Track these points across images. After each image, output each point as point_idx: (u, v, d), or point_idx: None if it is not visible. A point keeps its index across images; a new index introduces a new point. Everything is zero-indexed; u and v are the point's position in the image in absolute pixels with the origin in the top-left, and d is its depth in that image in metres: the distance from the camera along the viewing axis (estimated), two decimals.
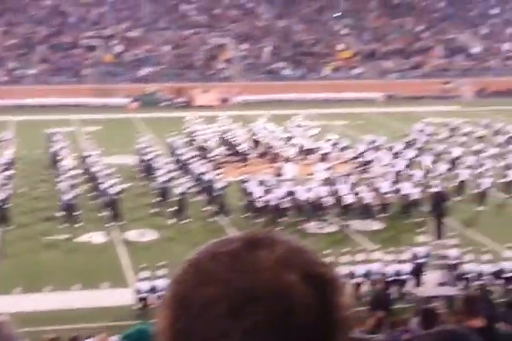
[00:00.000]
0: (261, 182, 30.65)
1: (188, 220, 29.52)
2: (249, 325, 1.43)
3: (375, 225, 29.40)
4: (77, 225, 28.77)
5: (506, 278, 23.07)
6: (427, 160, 36.05)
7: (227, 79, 64.81)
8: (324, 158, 37.62)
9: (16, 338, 3.05)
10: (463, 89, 64.14)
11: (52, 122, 42.75)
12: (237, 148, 39.24)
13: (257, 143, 41.44)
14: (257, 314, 1.43)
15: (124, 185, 31.11)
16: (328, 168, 34.46)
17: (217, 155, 37.41)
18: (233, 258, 1.48)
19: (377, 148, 38.48)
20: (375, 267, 23.11)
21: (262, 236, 1.53)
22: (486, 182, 31.94)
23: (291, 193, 30.08)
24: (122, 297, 22.10)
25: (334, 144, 39.46)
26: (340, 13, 75.39)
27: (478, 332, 8.09)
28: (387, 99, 62.40)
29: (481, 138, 41.71)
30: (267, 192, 29.69)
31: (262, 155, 39.71)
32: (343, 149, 39.12)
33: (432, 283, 22.91)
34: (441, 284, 22.79)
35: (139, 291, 21.78)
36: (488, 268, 23.27)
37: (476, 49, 71.83)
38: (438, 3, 78.85)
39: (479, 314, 8.40)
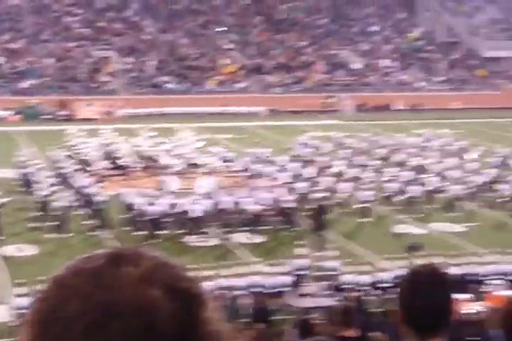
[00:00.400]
0: (143, 196, 30.58)
1: (69, 234, 29.20)
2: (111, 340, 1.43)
3: (257, 238, 29.71)
4: None
5: (383, 289, 23.69)
6: (311, 172, 36.67)
7: (110, 92, 64.42)
8: (209, 171, 37.81)
9: None
10: (343, 104, 65.48)
11: None
12: (120, 161, 39.05)
13: (140, 156, 41.37)
14: (119, 330, 1.41)
15: (4, 199, 30.55)
16: (212, 181, 34.67)
17: (99, 169, 37.14)
18: (96, 274, 1.46)
19: (261, 161, 38.92)
20: (255, 279, 23.40)
21: (127, 252, 1.52)
22: (368, 195, 32.70)
23: (173, 206, 30.17)
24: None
25: (219, 157, 39.70)
26: (225, 28, 75.92)
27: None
28: (271, 112, 63.24)
29: (362, 152, 42.72)
30: (148, 205, 29.63)
31: (145, 168, 39.64)
32: (227, 162, 39.48)
33: (311, 295, 23.28)
34: (320, 295, 23.19)
35: (17, 307, 21.43)
36: (365, 279, 23.88)
37: (356, 65, 73.52)
38: (320, 19, 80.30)
39: (354, 324, 8.69)
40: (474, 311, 19.46)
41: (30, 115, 58.66)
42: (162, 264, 1.51)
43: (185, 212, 29.99)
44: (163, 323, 1.43)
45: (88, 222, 30.53)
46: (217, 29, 75.88)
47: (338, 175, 36.46)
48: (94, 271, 1.46)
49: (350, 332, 8.50)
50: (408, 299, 2.85)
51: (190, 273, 1.53)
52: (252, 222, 30.35)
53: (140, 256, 1.51)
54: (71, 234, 29.29)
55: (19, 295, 21.49)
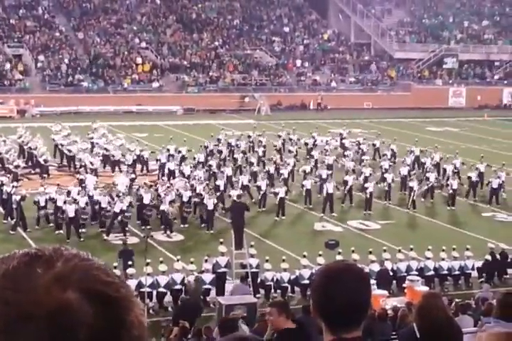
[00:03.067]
0: (61, 193, 30.34)
1: None
2: None
3: (176, 236, 29.89)
4: None
5: (303, 285, 24.15)
6: (228, 171, 36.94)
7: (24, 90, 63.58)
8: (127, 169, 37.76)
9: None
10: (259, 103, 65.99)
11: None
12: (37, 159, 38.68)
13: (59, 154, 41.12)
14: (30, 333, 1.39)
15: None
16: (131, 179, 34.70)
17: (16, 167, 36.72)
18: (11, 275, 1.43)
19: (178, 159, 39.05)
20: (176, 277, 23.58)
21: (44, 252, 1.48)
22: (281, 192, 33.11)
23: (93, 203, 30.11)
24: None
25: (137, 155, 39.67)
26: (138, 28, 75.64)
27: (292, 333, 8.66)
28: (186, 111, 63.38)
29: (278, 150, 43.23)
30: (67, 203, 29.46)
31: (63, 166, 39.40)
32: (145, 160, 39.56)
33: (233, 292, 23.55)
34: (242, 293, 23.48)
35: None
36: (286, 276, 24.31)
37: (270, 65, 74.11)
38: (233, 20, 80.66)
39: (291, 317, 9.00)
40: (391, 306, 20.01)
41: None
42: (81, 266, 1.48)
43: (105, 210, 29.96)
44: (78, 327, 1.40)
45: (6, 221, 30.22)
46: (130, 28, 75.44)
47: (254, 173, 36.84)
48: (8, 272, 1.44)
49: (291, 324, 8.79)
50: (320, 294, 2.84)
51: (113, 275, 1.50)
52: (171, 220, 30.48)
53: (58, 256, 1.48)
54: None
55: None
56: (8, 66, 65.89)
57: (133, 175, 35.84)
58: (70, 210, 28.91)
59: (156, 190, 32.20)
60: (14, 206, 29.99)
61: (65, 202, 29.44)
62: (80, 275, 1.45)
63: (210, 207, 30.86)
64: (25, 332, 1.39)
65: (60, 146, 41.51)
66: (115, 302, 1.46)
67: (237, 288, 23.27)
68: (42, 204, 30.12)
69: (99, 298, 1.44)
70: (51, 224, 30.00)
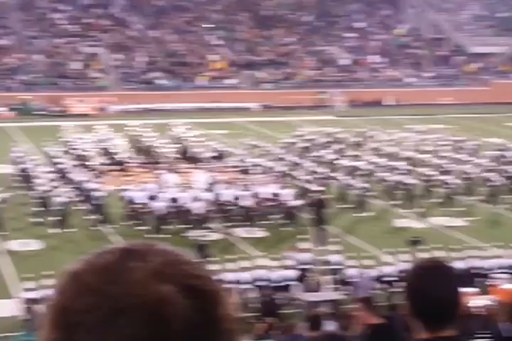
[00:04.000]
0: (142, 190, 30.65)
1: (71, 229, 29.24)
2: (123, 335, 1.45)
3: (258, 232, 29.87)
4: None
5: (388, 282, 23.86)
6: (308, 166, 36.90)
7: (101, 88, 64.39)
8: (206, 165, 37.98)
9: None
10: (335, 100, 65.70)
11: None
12: (117, 156, 39.10)
13: (139, 151, 41.54)
14: (130, 324, 1.45)
15: (4, 195, 30.50)
16: (210, 176, 34.81)
17: (97, 164, 37.16)
18: (109, 269, 1.49)
19: (258, 155, 39.18)
20: (260, 273, 23.54)
21: (140, 247, 1.54)
22: (364, 188, 32.90)
23: (173, 200, 30.29)
24: (6, 308, 21.75)
25: (216, 152, 39.86)
26: (213, 25, 76.00)
27: (381, 328, 8.55)
28: (263, 108, 63.42)
29: (357, 146, 43.01)
30: (149, 199, 29.71)
31: (143, 163, 39.78)
32: (223, 157, 39.69)
33: (317, 289, 23.42)
34: (326, 289, 23.35)
35: (24, 301, 21.50)
36: (370, 273, 24.06)
37: (345, 61, 73.75)
38: (307, 16, 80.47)
39: (376, 313, 8.88)
40: (482, 305, 19.66)
41: (22, 111, 58.62)
42: (175, 260, 1.53)
43: (185, 207, 30.11)
44: (174, 319, 1.46)
45: (90, 217, 30.60)
46: (204, 26, 75.85)
47: (334, 168, 36.67)
48: (106, 266, 1.50)
49: (377, 319, 8.67)
50: (416, 293, 2.87)
51: (204, 269, 1.55)
52: (252, 216, 30.48)
53: (152, 251, 1.54)
54: (74, 229, 29.33)
55: (27, 290, 21.57)
56: (85, 65, 66.77)
57: (212, 172, 35.94)
58: (154, 207, 29.12)
59: (236, 186, 32.21)
60: (97, 202, 30.32)
61: (146, 199, 29.66)
62: (173, 270, 1.51)
63: (292, 203, 30.74)
64: (123, 324, 1.45)
65: (140, 143, 41.96)
66: (207, 295, 1.51)
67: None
68: (126, 200, 30.43)
69: (192, 291, 1.49)
70: (133, 221, 30.21)
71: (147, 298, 1.45)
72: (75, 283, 1.50)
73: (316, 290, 23.05)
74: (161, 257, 1.52)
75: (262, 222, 30.57)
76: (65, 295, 1.50)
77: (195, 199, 30.05)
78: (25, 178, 34.73)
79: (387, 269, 24.01)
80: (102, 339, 1.45)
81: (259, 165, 37.15)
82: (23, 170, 35.32)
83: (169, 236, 28.44)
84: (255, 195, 31.14)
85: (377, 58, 74.95)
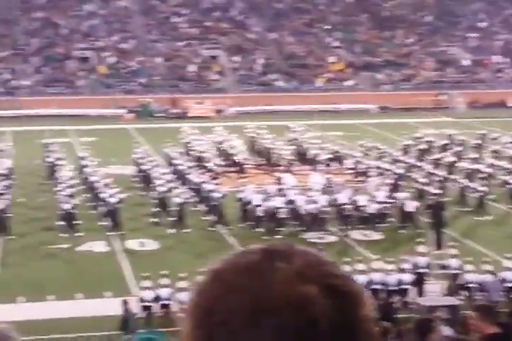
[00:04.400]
0: (259, 192, 30.72)
1: (187, 230, 29.55)
2: (269, 335, 1.44)
3: (375, 235, 29.52)
4: (76, 234, 28.76)
5: (510, 288, 23.17)
6: (427, 168, 36.31)
7: (220, 90, 65.02)
8: (323, 167, 37.85)
9: None
10: (455, 101, 64.50)
11: (48, 133, 42.82)
12: (234, 158, 39.35)
13: (256, 153, 41.73)
14: (276, 325, 1.44)
15: (123, 195, 31.06)
16: (327, 178, 34.60)
17: (214, 166, 37.48)
18: (251, 269, 1.49)
19: (376, 158, 38.79)
20: (376, 276, 23.21)
21: (281, 248, 1.54)
22: (484, 191, 32.10)
23: (290, 202, 30.24)
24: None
25: (333, 154, 39.66)
26: (330, 26, 75.78)
27: (497, 338, 8.20)
28: (381, 110, 62.81)
29: (476, 148, 42.07)
30: (265, 201, 29.77)
31: (260, 165, 39.95)
32: (340, 159, 39.44)
33: (433, 293, 22.98)
34: (443, 294, 22.86)
35: (142, 300, 21.81)
36: (488, 278, 23.40)
37: (466, 61, 72.31)
38: (426, 16, 79.34)
39: (494, 322, 8.52)
40: None
41: (142, 113, 59.79)
42: (316, 261, 1.52)
43: (302, 209, 30.02)
44: (319, 320, 1.44)
45: (207, 218, 30.86)
46: (323, 27, 75.68)
47: (453, 171, 35.95)
48: (249, 266, 1.49)
49: (493, 329, 8.32)
50: None
51: (344, 270, 1.53)
52: (369, 219, 30.14)
53: (294, 252, 1.53)
54: (189, 230, 29.62)
55: (144, 288, 21.88)
56: (203, 67, 67.59)
57: (328, 175, 35.70)
58: (270, 208, 29.13)
59: (353, 188, 31.93)
60: (214, 203, 30.55)
61: (262, 200, 29.72)
62: (317, 270, 1.50)
63: (409, 205, 30.24)
64: (270, 324, 1.43)
65: (257, 145, 42.16)
66: (350, 296, 1.49)
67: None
68: (243, 201, 30.58)
69: (335, 291, 1.47)
70: (249, 222, 30.30)
71: (292, 299, 1.45)
72: (217, 283, 1.51)
73: (433, 295, 22.59)
74: (302, 258, 1.51)
75: (379, 225, 30.19)
76: (207, 295, 1.50)
77: (312, 201, 29.90)
78: (145, 179, 35.31)
79: (508, 275, 23.33)
80: (246, 340, 1.45)
81: (377, 168, 36.72)
82: (143, 171, 35.92)
83: (285, 237, 28.44)
84: (371, 198, 30.77)
85: (499, 58, 73.17)
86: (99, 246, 27.82)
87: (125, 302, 20.12)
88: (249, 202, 30.33)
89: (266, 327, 1.44)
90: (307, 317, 1.44)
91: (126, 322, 19.79)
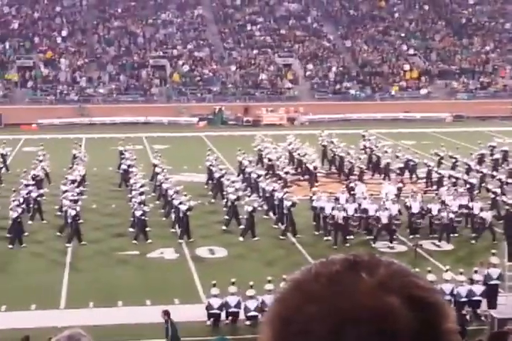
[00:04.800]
0: (331, 200, 30.55)
1: (257, 238, 29.52)
2: None
3: (446, 245, 29.10)
4: (147, 241, 28.99)
5: None
6: (502, 178, 35.72)
7: (293, 98, 65.00)
8: (395, 176, 37.53)
9: None
10: None
11: (121, 140, 43.30)
12: (306, 166, 39.21)
13: (329, 161, 41.56)
14: (357, 336, 1.43)
15: (193, 202, 31.08)
16: (399, 187, 34.26)
17: (286, 174, 37.43)
18: (335, 279, 1.49)
19: (450, 167, 38.33)
20: (447, 287, 22.85)
21: (364, 259, 1.53)
22: None
23: (362, 211, 30.03)
24: (194, 313, 22.18)
25: (405, 163, 39.26)
26: (406, 34, 75.19)
27: None
28: (455, 118, 62.02)
29: None
30: (337, 210, 29.59)
31: (332, 173, 39.76)
32: (413, 168, 39.02)
33: (506, 305, 22.54)
34: None
35: (210, 307, 21.86)
36: None
37: None
38: (505, 23, 78.13)
39: None
40: None
41: (215, 121, 60.13)
42: (399, 272, 1.52)
43: (373, 217, 29.78)
44: (401, 332, 1.43)
45: (277, 226, 30.81)
46: (398, 35, 75.11)
47: None
48: (331, 276, 1.49)
49: None
50: None
51: (428, 281, 1.53)
52: (442, 229, 29.71)
53: (377, 263, 1.52)
54: (259, 238, 29.57)
55: (212, 296, 21.91)
56: (277, 76, 67.68)
57: (400, 184, 35.33)
58: (340, 216, 28.99)
59: (425, 198, 31.55)
60: (285, 212, 30.47)
61: (333, 209, 29.58)
62: (400, 281, 1.48)
63: (483, 215, 29.72)
64: (351, 335, 1.43)
65: (330, 154, 42.05)
66: (433, 308, 1.48)
67: None
68: (314, 210, 30.51)
69: (418, 303, 1.46)
70: (320, 230, 30.17)
71: (375, 310, 1.44)
72: (297, 292, 1.51)
73: (506, 307, 22.14)
74: (385, 268, 1.51)
75: (451, 235, 29.74)
76: (286, 304, 1.51)
77: (383, 210, 29.60)
78: (216, 187, 35.41)
79: None
80: None
81: (450, 177, 36.21)
82: (215, 178, 36.03)
83: (355, 246, 28.23)
84: (444, 207, 30.33)
85: None
86: (169, 253, 28.00)
87: (165, 313, 20.02)
88: (320, 211, 30.18)
89: (347, 338, 1.43)
90: (389, 329, 1.43)
91: (167, 332, 19.75)
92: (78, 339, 3.08)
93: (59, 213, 31.80)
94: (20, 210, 29.17)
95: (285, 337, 1.48)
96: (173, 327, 19.66)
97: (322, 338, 1.44)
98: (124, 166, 37.79)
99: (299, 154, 41.15)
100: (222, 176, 35.25)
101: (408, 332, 1.43)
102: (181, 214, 29.53)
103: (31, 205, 31.89)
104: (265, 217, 32.17)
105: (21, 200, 30.37)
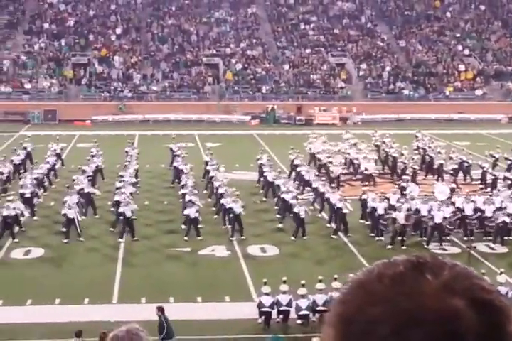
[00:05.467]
0: (383, 200, 30.33)
1: (307, 237, 29.37)
2: None
3: (501, 248, 28.73)
4: (199, 238, 29.04)
5: None
6: None
7: (346, 98, 64.73)
8: (449, 177, 37.15)
9: None
10: None
11: (174, 137, 43.47)
12: (359, 166, 39.00)
13: (382, 161, 41.27)
14: (421, 337, 1.41)
15: (242, 203, 30.81)
16: (452, 188, 33.91)
17: (338, 173, 37.23)
18: (398, 280, 1.48)
19: (504, 168, 37.89)
20: (501, 290, 22.53)
21: (428, 260, 1.52)
22: None
23: (415, 211, 29.77)
24: (244, 310, 22.16)
25: (459, 164, 38.86)
26: (461, 34, 74.45)
27: None
28: (511, 120, 61.27)
29: None
30: (389, 210, 29.37)
31: (385, 173, 39.48)
32: (467, 169, 38.59)
33: None
34: None
35: (262, 305, 21.81)
36: None
37: None
38: None
39: None
40: None
41: (268, 119, 60.13)
42: (464, 274, 1.50)
43: (426, 218, 29.50)
44: (466, 334, 1.41)
45: (329, 225, 30.69)
46: (453, 35, 74.40)
47: None
48: (395, 277, 1.49)
49: None
50: None
51: (490, 284, 1.51)
52: (496, 231, 29.34)
53: (440, 264, 1.51)
54: (310, 237, 29.44)
55: (264, 294, 21.87)
56: (330, 75, 67.49)
57: (453, 185, 34.97)
58: (394, 217, 28.74)
59: (479, 199, 31.13)
60: (337, 211, 30.27)
61: (387, 209, 29.37)
62: (464, 283, 1.47)
63: None
64: (416, 336, 1.41)
65: (381, 153, 41.74)
66: (498, 310, 1.45)
67: None
68: (367, 210, 30.37)
69: (483, 305, 1.44)
70: (373, 231, 30.00)
71: (440, 312, 1.43)
72: (361, 293, 1.50)
73: None
74: (449, 270, 1.50)
75: (506, 238, 29.35)
76: (350, 305, 1.50)
77: (436, 211, 29.29)
78: (268, 185, 35.34)
79: None
80: None
81: (505, 179, 35.76)
82: (266, 177, 35.97)
83: (409, 247, 27.99)
84: (498, 209, 29.95)
85: None
86: (221, 251, 28.02)
87: (159, 309, 19.97)
88: (373, 211, 29.98)
89: (410, 339, 1.42)
90: (454, 331, 1.42)
91: (160, 328, 19.66)
92: (136, 334, 3.08)
93: (112, 209, 32.02)
94: (76, 208, 29.34)
95: (348, 338, 1.47)
96: (167, 324, 19.57)
97: (385, 339, 1.43)
98: (175, 163, 37.91)
99: (351, 154, 40.81)
100: (274, 175, 35.11)
101: (473, 334, 1.42)
102: (233, 213, 29.49)
103: (84, 200, 32.08)
104: (318, 216, 32.07)
105: (76, 198, 30.53)
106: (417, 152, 42.35)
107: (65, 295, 23.01)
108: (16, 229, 29.33)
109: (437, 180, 38.03)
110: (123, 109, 60.85)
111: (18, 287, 24.08)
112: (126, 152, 40.22)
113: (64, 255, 27.55)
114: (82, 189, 32.23)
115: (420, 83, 67.08)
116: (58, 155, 40.92)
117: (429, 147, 42.54)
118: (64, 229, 29.07)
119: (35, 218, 31.74)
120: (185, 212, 29.56)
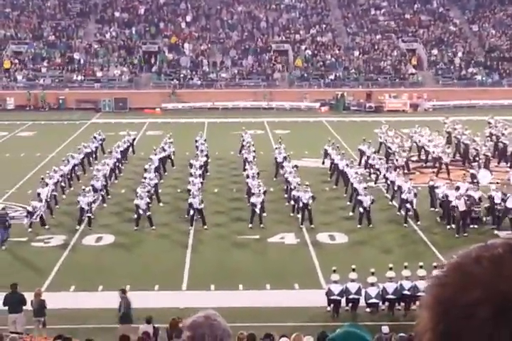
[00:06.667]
0: (454, 188, 29.90)
1: (372, 225, 29.05)
2: None
3: None
4: (262, 226, 28.90)
5: None
6: None
7: (417, 84, 63.98)
8: None
9: (229, 330, 3.07)
10: None
11: (243, 124, 43.54)
12: (430, 153, 38.52)
13: (453, 148, 40.65)
14: None
15: (311, 194, 30.57)
16: None
17: (409, 161, 36.81)
18: (497, 263, 1.47)
19: None
20: None
21: None
22: None
23: (487, 199, 29.28)
24: (314, 298, 22.09)
25: None
26: None
27: None
28: None
29: None
30: (457, 198, 28.95)
31: (456, 160, 38.95)
32: None
33: None
34: None
35: (331, 293, 21.72)
36: None
37: None
38: None
39: None
40: None
41: (337, 106, 59.79)
42: None
43: (498, 206, 29.01)
44: None
45: (399, 213, 30.38)
46: None
47: None
48: (494, 260, 1.47)
49: None
50: None
51: None
52: None
53: None
54: (372, 225, 29.11)
55: (333, 282, 21.77)
56: (401, 61, 66.77)
57: None
58: (458, 204, 28.30)
59: None
60: (407, 199, 29.94)
61: (455, 197, 28.94)
62: None
63: None
64: None
65: (453, 140, 41.18)
66: None
67: None
68: (438, 197, 29.99)
69: None
70: (442, 218, 29.63)
71: None
72: (460, 276, 1.50)
73: None
74: None
75: None
76: (449, 288, 1.50)
77: (509, 198, 28.77)
78: (342, 173, 34.78)
79: None
80: (492, 333, 1.42)
81: None
82: (335, 164, 35.69)
83: (479, 234, 27.58)
84: None
85: None
86: (290, 238, 27.98)
87: (123, 291, 19.94)
88: (444, 198, 29.56)
89: (510, 320, 1.41)
90: None
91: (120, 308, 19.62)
92: (215, 320, 3.06)
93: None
94: (147, 198, 29.51)
95: (447, 321, 1.47)
96: (126, 304, 19.54)
97: (487, 321, 1.42)
98: (244, 151, 37.92)
99: (423, 141, 40.26)
100: (343, 163, 34.83)
101: None
102: (301, 201, 29.34)
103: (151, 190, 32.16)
104: (389, 203, 31.81)
105: (147, 188, 30.65)
106: (489, 139, 41.61)
107: (136, 282, 23.24)
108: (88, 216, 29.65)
109: (510, 167, 37.36)
110: (173, 96, 61.03)
111: (90, 273, 24.41)
112: (196, 141, 40.31)
113: (134, 242, 27.83)
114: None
115: (493, 68, 65.90)
116: (131, 144, 41.39)
117: (503, 134, 41.77)
118: (136, 216, 29.33)
119: (104, 205, 32.14)
120: (251, 200, 29.54)
